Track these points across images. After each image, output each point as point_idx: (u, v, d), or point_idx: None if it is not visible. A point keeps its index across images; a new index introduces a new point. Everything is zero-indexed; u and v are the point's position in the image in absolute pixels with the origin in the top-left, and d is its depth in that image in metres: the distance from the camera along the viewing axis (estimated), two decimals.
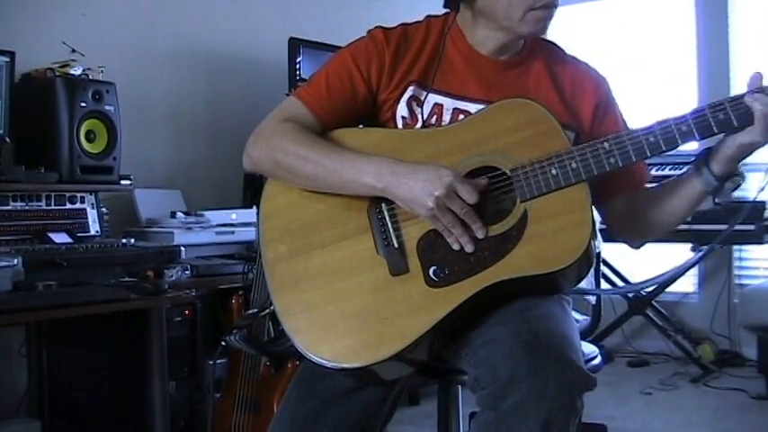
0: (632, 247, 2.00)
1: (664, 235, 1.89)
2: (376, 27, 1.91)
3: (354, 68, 1.85)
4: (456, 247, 1.67)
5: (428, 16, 1.95)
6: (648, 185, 1.92)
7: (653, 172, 3.90)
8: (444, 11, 1.93)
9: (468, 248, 1.65)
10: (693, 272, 5.27)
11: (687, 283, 5.34)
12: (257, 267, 2.93)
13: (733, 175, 1.70)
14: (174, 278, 3.09)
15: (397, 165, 1.70)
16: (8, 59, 3.11)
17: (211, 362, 2.88)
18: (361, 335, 1.67)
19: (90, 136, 3.21)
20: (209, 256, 3.51)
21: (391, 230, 1.73)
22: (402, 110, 1.85)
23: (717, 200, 1.74)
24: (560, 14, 1.82)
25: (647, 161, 1.78)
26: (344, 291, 1.72)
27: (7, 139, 3.09)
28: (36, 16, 3.48)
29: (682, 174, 1.78)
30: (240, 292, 3.20)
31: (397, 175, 1.69)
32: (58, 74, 3.19)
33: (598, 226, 1.64)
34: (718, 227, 4.28)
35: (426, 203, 1.65)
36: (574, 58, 1.98)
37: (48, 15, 3.52)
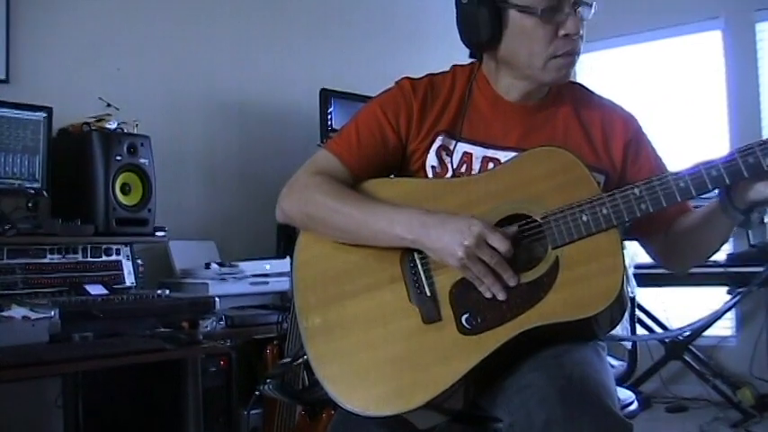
0: (677, 273, 1.99)
1: (704, 260, 1.91)
2: (403, 78, 1.93)
3: (384, 119, 1.87)
4: (488, 295, 1.66)
5: (454, 66, 1.97)
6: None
7: None
8: (470, 60, 1.95)
9: (501, 297, 1.65)
10: (730, 315, 5.20)
11: (724, 327, 5.27)
12: (291, 317, 2.94)
13: (758, 207, 1.69)
14: (208, 329, 3.10)
15: (428, 216, 1.71)
16: (46, 115, 3.18)
17: (247, 411, 2.88)
18: (394, 383, 1.67)
19: (125, 188, 3.27)
20: (244, 307, 3.52)
21: (423, 279, 1.73)
22: (431, 159, 1.86)
23: (752, 241, 1.73)
24: (589, 59, 1.84)
25: None
26: (377, 339, 1.72)
27: (45, 193, 3.15)
28: (72, 72, 3.56)
29: (708, 207, 1.77)
30: (275, 342, 3.21)
31: (427, 227, 1.70)
32: (93, 128, 3.25)
33: (632, 271, 1.65)
34: (753, 269, 4.25)
35: (456, 253, 1.65)
36: (601, 97, 1.98)
37: (83, 71, 3.60)
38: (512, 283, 1.65)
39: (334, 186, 1.81)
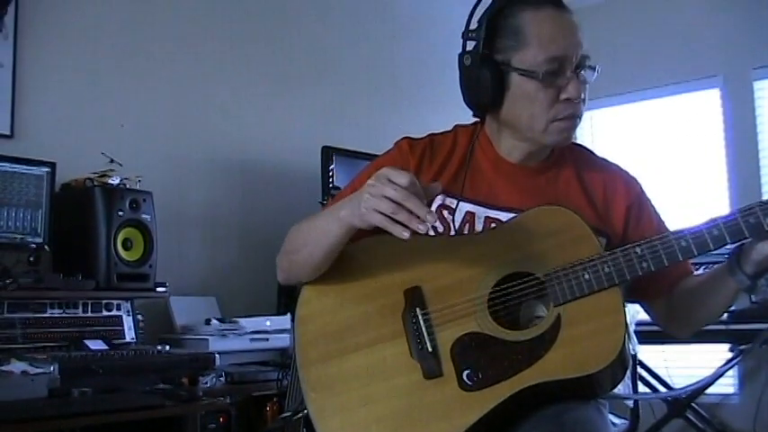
0: (678, 337, 1.99)
1: (704, 326, 1.90)
2: (402, 138, 1.96)
3: None
4: (405, 235, 1.60)
5: (457, 125, 2.00)
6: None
7: None
8: (473, 120, 1.97)
9: (422, 229, 1.60)
10: (733, 372, 5.18)
11: (727, 384, 5.24)
12: (292, 372, 2.93)
13: (766, 273, 1.70)
14: (208, 385, 3.08)
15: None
16: (49, 170, 3.21)
17: None
18: None
19: (127, 244, 3.27)
20: (244, 363, 3.51)
21: (425, 334, 1.73)
22: None
23: (753, 298, 1.74)
24: (587, 117, 1.86)
25: None
26: (378, 394, 1.72)
27: (46, 248, 3.16)
28: (76, 128, 3.59)
29: (715, 270, 1.78)
30: (275, 399, 3.19)
31: (350, 198, 1.71)
32: (96, 183, 3.27)
33: (633, 328, 1.65)
34: (756, 326, 4.23)
35: (363, 199, 1.63)
36: (604, 160, 2.00)
37: (87, 127, 3.63)
38: (429, 219, 1.59)
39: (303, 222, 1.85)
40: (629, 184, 1.95)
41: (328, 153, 4.10)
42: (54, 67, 3.57)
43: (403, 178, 1.60)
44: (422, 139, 1.95)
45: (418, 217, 1.57)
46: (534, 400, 1.65)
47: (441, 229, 1.87)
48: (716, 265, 1.77)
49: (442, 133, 1.98)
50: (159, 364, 3.05)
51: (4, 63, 3.39)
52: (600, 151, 2.02)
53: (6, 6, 3.38)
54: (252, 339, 3.58)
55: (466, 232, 1.86)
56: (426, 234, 1.86)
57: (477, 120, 1.96)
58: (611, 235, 1.86)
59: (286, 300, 3.85)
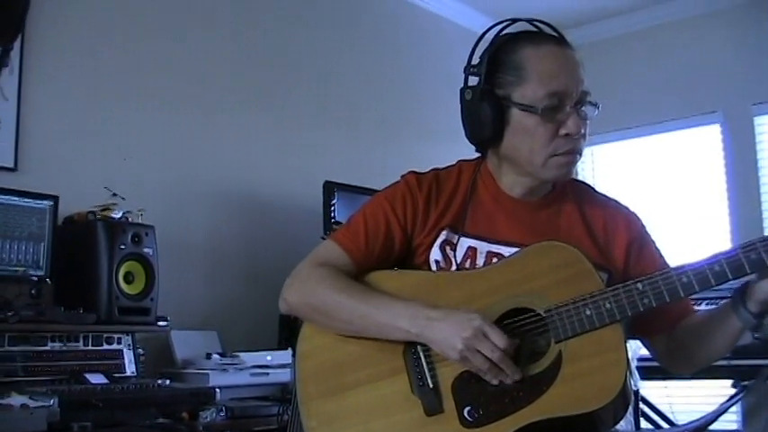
0: (681, 373, 1.98)
1: (707, 365, 1.90)
2: (409, 172, 1.96)
3: (391, 212, 1.89)
4: (495, 383, 1.66)
5: (460, 161, 2.00)
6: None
7: None
8: (477, 155, 1.98)
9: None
10: (735, 408, 5.15)
11: (730, 420, 5.21)
12: (293, 408, 2.91)
13: None
14: (208, 420, 3.06)
15: (431, 310, 1.72)
16: (52, 203, 3.21)
17: None
18: None
19: (128, 277, 3.27)
20: (245, 398, 3.49)
21: (426, 371, 1.73)
22: (435, 254, 1.87)
23: (756, 335, 1.73)
24: (587, 153, 1.86)
25: None
26: (378, 430, 1.72)
27: (48, 281, 3.16)
28: (79, 162, 3.60)
29: (719, 308, 1.78)
30: None
31: (430, 320, 1.71)
32: (98, 217, 3.27)
33: (635, 364, 1.64)
34: (758, 362, 4.21)
35: (456, 346, 1.66)
36: (605, 196, 2.00)
37: (90, 161, 3.64)
38: (515, 377, 1.65)
39: (337, 278, 1.82)
40: (631, 220, 1.95)
41: (330, 188, 4.10)
42: (58, 102, 3.59)
43: (501, 341, 1.65)
44: (427, 173, 1.95)
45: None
46: None
47: (443, 264, 1.87)
48: (720, 303, 1.77)
49: (445, 168, 1.98)
50: (160, 398, 3.03)
51: (9, 97, 3.41)
52: (601, 187, 2.02)
53: (13, 41, 3.40)
54: (252, 374, 3.56)
55: (467, 267, 1.86)
56: (430, 270, 1.87)
57: (480, 155, 1.97)
58: (612, 271, 1.86)
59: (287, 334, 3.84)
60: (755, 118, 5.35)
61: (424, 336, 1.71)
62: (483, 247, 1.87)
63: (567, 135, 1.79)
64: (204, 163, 4.10)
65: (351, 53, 4.98)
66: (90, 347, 3.17)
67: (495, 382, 1.66)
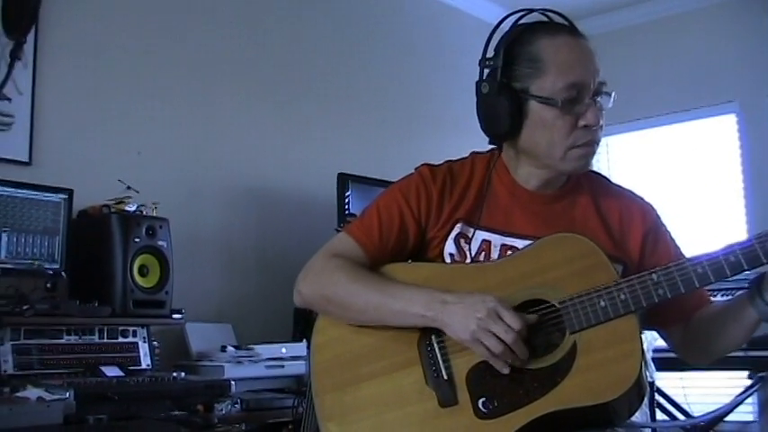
0: (698, 364, 1.97)
1: (723, 356, 1.88)
2: (423, 164, 1.95)
3: (405, 205, 1.88)
4: (505, 371, 1.66)
5: (473, 153, 1.99)
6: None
7: None
8: (489, 147, 1.97)
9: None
10: (752, 399, 5.13)
11: (746, 411, 5.19)
12: (307, 400, 2.92)
13: None
14: (224, 412, 3.07)
15: (446, 294, 1.72)
16: (66, 197, 3.23)
17: None
18: None
19: (143, 270, 3.28)
20: (260, 390, 3.50)
21: (441, 362, 1.73)
22: (450, 247, 1.87)
23: None
24: (603, 143, 1.85)
25: None
26: (392, 422, 1.72)
27: (63, 274, 3.17)
28: (94, 155, 3.61)
29: (735, 299, 1.77)
30: (290, 427, 3.17)
31: (445, 303, 1.70)
32: (113, 210, 3.28)
33: (651, 355, 1.64)
34: None
35: (470, 326, 1.65)
36: (620, 187, 1.99)
37: (105, 154, 3.65)
38: (524, 357, 1.65)
39: (352, 269, 1.82)
40: (646, 212, 1.94)
41: (344, 180, 4.11)
42: (72, 95, 3.60)
43: (516, 322, 1.64)
44: (440, 166, 1.95)
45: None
46: (550, 428, 1.64)
47: (457, 257, 1.87)
48: (736, 293, 1.76)
49: (458, 161, 1.97)
50: (175, 390, 3.04)
51: (24, 91, 3.42)
52: (616, 177, 2.01)
53: (26, 35, 3.42)
54: (267, 366, 3.56)
55: (482, 260, 1.85)
56: (444, 263, 1.87)
57: (493, 147, 1.96)
58: (627, 262, 1.85)
59: (302, 327, 3.85)
60: None
61: (440, 319, 1.71)
62: (497, 240, 1.87)
63: (585, 126, 1.78)
64: (218, 156, 4.11)
65: (365, 45, 4.97)
66: (105, 340, 3.18)
67: (506, 369, 1.66)
